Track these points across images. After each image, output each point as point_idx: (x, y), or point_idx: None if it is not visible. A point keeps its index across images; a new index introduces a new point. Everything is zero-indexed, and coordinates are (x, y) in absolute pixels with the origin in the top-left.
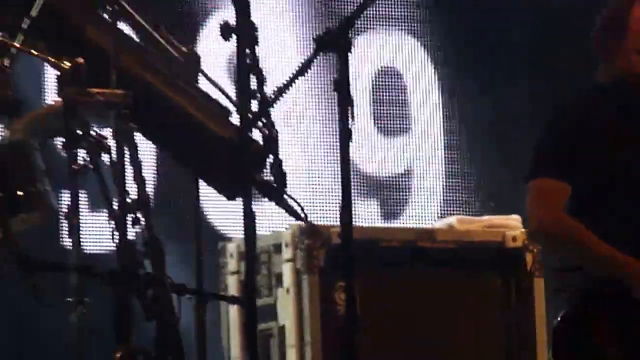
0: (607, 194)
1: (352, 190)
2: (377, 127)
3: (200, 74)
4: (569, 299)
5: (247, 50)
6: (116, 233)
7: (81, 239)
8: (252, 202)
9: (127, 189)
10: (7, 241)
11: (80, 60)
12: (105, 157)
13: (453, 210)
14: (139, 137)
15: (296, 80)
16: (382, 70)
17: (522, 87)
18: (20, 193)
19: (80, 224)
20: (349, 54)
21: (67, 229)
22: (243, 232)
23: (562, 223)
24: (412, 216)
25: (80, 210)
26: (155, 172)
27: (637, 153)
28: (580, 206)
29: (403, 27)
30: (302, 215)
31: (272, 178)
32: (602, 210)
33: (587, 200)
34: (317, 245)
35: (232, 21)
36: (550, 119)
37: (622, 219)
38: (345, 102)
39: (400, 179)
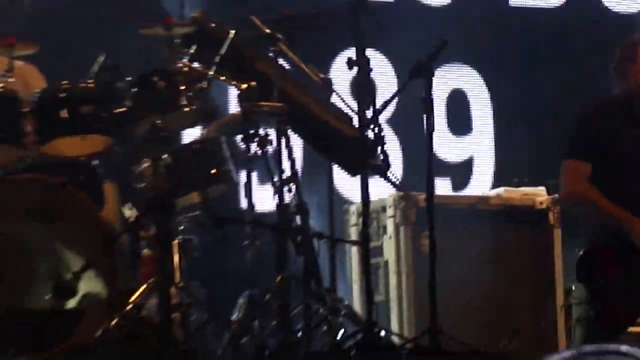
0: (616, 172)
1: (433, 170)
2: (450, 128)
3: (332, 91)
4: (589, 240)
5: (364, 76)
6: (276, 198)
7: (253, 202)
8: (367, 178)
9: (283, 168)
10: (205, 204)
11: (253, 83)
12: (269, 148)
13: (500, 184)
14: (291, 134)
15: (396, 97)
16: (453, 91)
17: (549, 103)
18: (213, 171)
19: (253, 192)
20: (432, 79)
21: (244, 195)
22: (361, 198)
23: (583, 192)
24: (472, 188)
25: (252, 182)
26: (303, 157)
27: (634, 157)
28: (600, 178)
29: (467, 62)
30: (400, 186)
31: (380, 162)
32: (613, 182)
33: (604, 175)
34: (410, 207)
35: (353, 57)
36: (577, 120)
37: (626, 188)
38: (429, 112)
39: (465, 164)
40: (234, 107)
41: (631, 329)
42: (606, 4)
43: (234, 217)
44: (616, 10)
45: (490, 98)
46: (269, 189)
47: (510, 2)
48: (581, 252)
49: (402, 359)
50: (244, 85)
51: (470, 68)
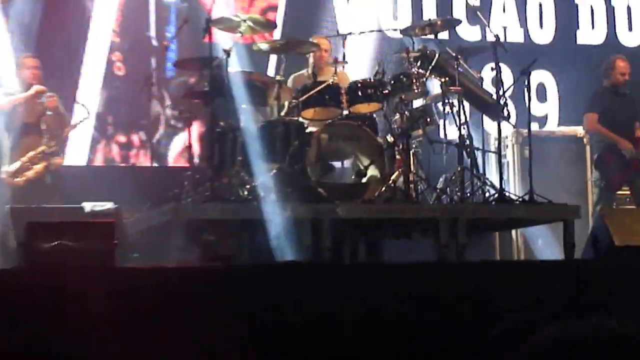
0: (610, 118)
1: (530, 119)
2: (537, 99)
3: (482, 82)
4: (598, 149)
5: (498, 75)
6: (457, 131)
7: (446, 133)
8: (500, 122)
9: (460, 117)
10: (424, 134)
11: (447, 78)
12: (454, 108)
13: (561, 125)
14: (464, 102)
15: (513, 85)
16: (539, 82)
17: (586, 91)
18: (428, 119)
19: (446, 128)
20: (530, 76)
21: (442, 130)
22: (497, 131)
23: (597, 126)
24: (547, 127)
25: (445, 124)
26: (469, 112)
27: (619, 112)
28: (602, 121)
29: (543, 68)
30: (514, 126)
31: (505, 115)
32: (608, 122)
33: (604, 119)
34: (519, 135)
35: (493, 66)
36: (593, 95)
37: (615, 126)
38: (528, 90)
39: (544, 116)
40: (436, 90)
41: (619, 192)
42: (624, 44)
43: (438, 140)
44: (627, 45)
45: (557, 87)
46: (454, 127)
47: (577, 42)
48: (596, 155)
49: (515, 205)
50: (443, 79)
51: (548, 72)
